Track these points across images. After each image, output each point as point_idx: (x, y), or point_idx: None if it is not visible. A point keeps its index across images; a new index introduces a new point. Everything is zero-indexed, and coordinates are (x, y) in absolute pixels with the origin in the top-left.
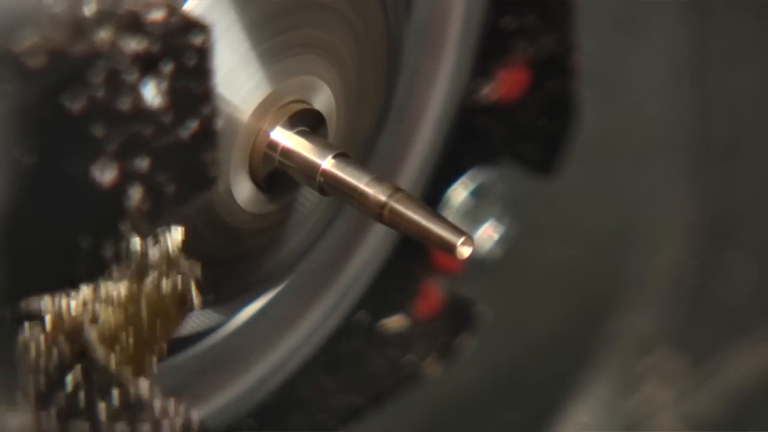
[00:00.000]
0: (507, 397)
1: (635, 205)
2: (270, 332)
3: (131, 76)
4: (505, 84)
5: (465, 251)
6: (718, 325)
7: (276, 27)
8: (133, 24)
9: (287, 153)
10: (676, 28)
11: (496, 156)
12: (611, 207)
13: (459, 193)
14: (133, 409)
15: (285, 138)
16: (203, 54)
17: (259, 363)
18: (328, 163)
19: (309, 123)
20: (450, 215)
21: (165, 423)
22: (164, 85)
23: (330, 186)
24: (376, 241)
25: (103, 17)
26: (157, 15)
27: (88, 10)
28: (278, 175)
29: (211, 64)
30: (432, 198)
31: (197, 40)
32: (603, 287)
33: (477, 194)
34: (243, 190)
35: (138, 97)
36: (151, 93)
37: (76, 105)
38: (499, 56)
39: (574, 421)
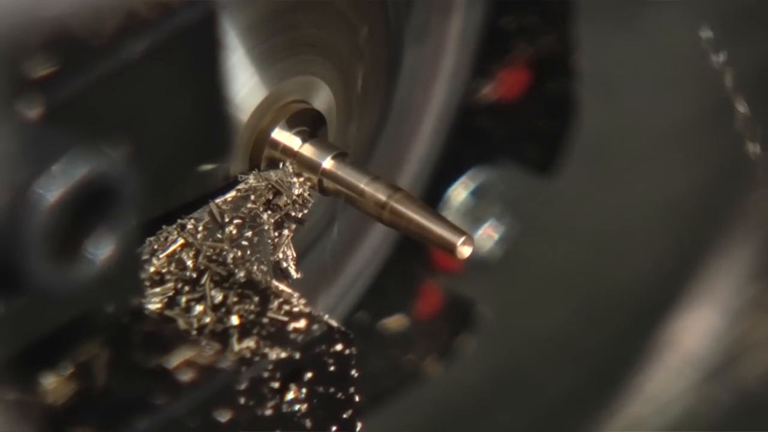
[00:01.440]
0: (507, 397)
1: (632, 206)
2: None
3: (274, 384)
4: (505, 84)
5: (465, 251)
6: None
7: (276, 27)
8: (277, 333)
9: (288, 152)
10: (676, 28)
11: (496, 156)
12: (611, 207)
13: (459, 193)
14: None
15: (285, 138)
16: (345, 361)
17: None
18: (328, 163)
19: (309, 123)
20: (450, 215)
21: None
22: (305, 391)
23: (330, 186)
24: (376, 241)
25: (247, 326)
26: (299, 324)
27: (234, 320)
28: None
29: (353, 370)
30: (432, 198)
31: (339, 347)
32: (597, 289)
33: (477, 194)
34: None
35: (280, 403)
36: (292, 398)
37: (223, 417)
38: (499, 56)
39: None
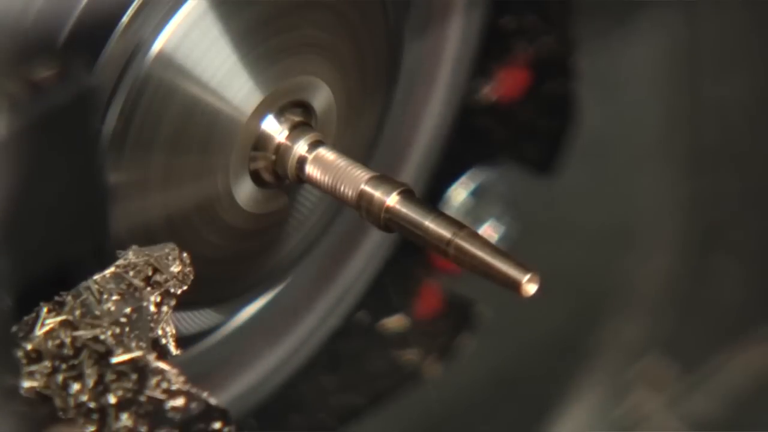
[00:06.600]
0: (507, 397)
1: (631, 207)
2: (270, 332)
3: None
4: (505, 84)
5: (530, 288)
6: (708, 331)
7: (276, 27)
8: (155, 411)
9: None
10: (676, 28)
11: (496, 156)
12: (610, 207)
13: (459, 193)
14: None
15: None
16: None
17: (259, 363)
18: (392, 200)
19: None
20: (450, 215)
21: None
22: None
23: (393, 223)
24: (376, 241)
25: (124, 405)
26: (177, 402)
27: (111, 399)
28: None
29: None
30: (432, 198)
31: (217, 426)
32: (597, 290)
33: (477, 194)
34: (243, 190)
35: None
36: None
37: None
38: (499, 56)
39: (567, 425)
